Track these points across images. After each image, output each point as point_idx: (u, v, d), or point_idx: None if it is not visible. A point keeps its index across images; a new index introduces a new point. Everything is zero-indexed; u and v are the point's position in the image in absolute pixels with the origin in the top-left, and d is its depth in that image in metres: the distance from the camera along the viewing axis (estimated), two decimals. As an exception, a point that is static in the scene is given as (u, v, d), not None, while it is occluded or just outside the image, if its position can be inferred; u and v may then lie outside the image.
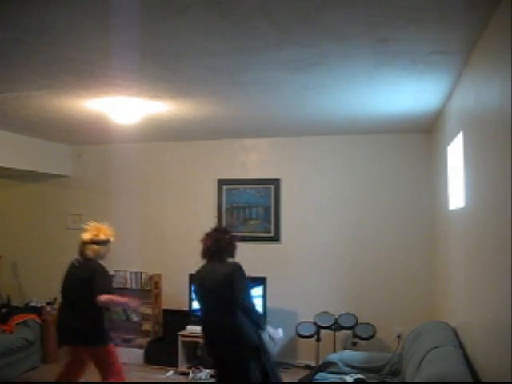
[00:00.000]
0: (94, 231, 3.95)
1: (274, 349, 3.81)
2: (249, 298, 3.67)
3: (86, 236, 3.93)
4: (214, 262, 3.63)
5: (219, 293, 3.52)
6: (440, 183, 4.52)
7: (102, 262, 3.94)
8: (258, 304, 5.39)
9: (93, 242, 3.90)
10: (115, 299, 3.88)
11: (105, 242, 3.96)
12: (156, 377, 5.32)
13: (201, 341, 5.36)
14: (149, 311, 5.89)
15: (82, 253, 3.93)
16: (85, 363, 4.02)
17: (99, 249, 3.92)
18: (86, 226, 4.00)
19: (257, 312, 3.73)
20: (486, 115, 2.57)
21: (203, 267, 3.68)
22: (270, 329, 3.71)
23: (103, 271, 3.86)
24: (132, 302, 4.07)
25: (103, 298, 3.70)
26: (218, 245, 3.63)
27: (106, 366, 3.86)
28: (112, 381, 3.84)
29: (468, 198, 3.07)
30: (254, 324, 3.54)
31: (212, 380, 5.10)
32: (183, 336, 5.38)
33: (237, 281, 3.52)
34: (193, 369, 5.26)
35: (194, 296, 3.68)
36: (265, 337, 3.63)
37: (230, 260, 3.67)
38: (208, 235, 3.70)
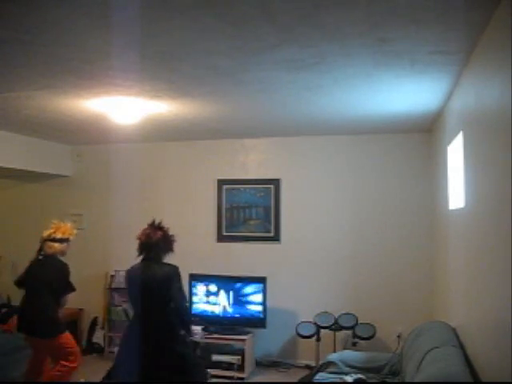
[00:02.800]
0: (53, 229, 4.18)
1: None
2: (182, 303, 3.63)
3: (45, 233, 4.17)
4: (149, 260, 3.58)
5: (155, 293, 3.48)
6: (440, 183, 4.52)
7: (62, 259, 4.16)
8: (258, 304, 5.41)
9: (50, 239, 4.12)
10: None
11: (62, 240, 4.16)
12: (156, 377, 5.30)
13: (201, 341, 5.38)
14: (149, 311, 5.90)
15: (40, 249, 4.15)
16: (42, 357, 4.22)
17: (55, 246, 4.12)
18: (50, 224, 4.23)
19: (187, 319, 3.81)
20: (486, 115, 2.57)
21: (138, 264, 3.62)
22: (195, 329, 3.81)
23: (66, 270, 4.10)
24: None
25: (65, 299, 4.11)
26: (151, 241, 3.57)
27: (66, 353, 4.06)
28: (71, 363, 4.06)
29: (468, 198, 3.07)
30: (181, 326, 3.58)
31: (213, 380, 5.10)
32: (183, 336, 5.38)
33: (174, 285, 3.51)
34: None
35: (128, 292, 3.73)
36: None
37: (166, 259, 3.62)
38: (143, 231, 3.65)
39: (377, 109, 4.30)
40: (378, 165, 5.53)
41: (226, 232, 5.95)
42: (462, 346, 3.18)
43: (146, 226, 3.69)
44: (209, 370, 5.09)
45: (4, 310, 5.69)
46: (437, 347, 3.07)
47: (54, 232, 4.16)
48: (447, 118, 4.05)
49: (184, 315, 3.67)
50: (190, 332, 3.71)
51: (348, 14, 2.30)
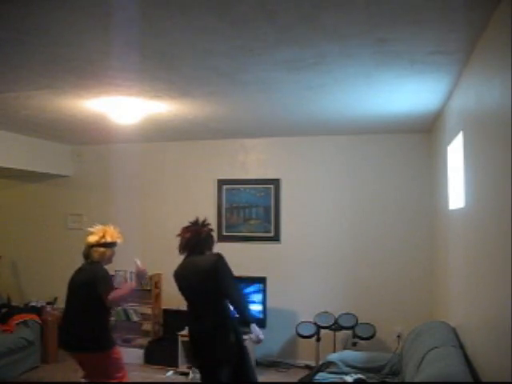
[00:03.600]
0: (101, 233, 3.77)
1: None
2: (237, 290, 3.52)
3: (93, 238, 3.74)
4: (194, 256, 3.53)
5: (204, 288, 3.42)
6: (440, 183, 4.52)
7: (106, 266, 3.76)
8: (258, 304, 5.41)
9: (99, 244, 3.72)
10: (123, 291, 3.65)
11: (111, 245, 3.79)
12: (156, 377, 5.32)
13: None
14: (149, 311, 5.90)
15: (87, 256, 3.76)
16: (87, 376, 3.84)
17: (105, 251, 3.74)
18: (91, 229, 3.83)
19: (246, 307, 3.57)
20: (486, 115, 2.57)
21: (184, 262, 3.57)
22: (255, 327, 3.52)
23: (104, 274, 3.69)
24: (138, 278, 3.75)
25: (112, 296, 3.51)
26: (198, 238, 3.54)
27: (116, 369, 3.67)
28: (121, 379, 3.67)
29: (468, 198, 3.07)
30: (236, 318, 3.44)
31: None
32: (183, 336, 5.37)
33: (221, 273, 3.40)
34: (193, 369, 5.26)
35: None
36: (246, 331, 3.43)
37: (208, 253, 3.58)
38: (187, 228, 3.60)
39: (377, 109, 4.30)
40: (378, 165, 5.53)
41: (226, 232, 5.95)
42: (461, 346, 3.18)
43: (187, 224, 3.63)
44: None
45: (4, 310, 5.69)
46: (437, 347, 3.07)
47: (103, 236, 3.74)
48: (447, 118, 4.05)
49: (239, 308, 3.47)
50: (247, 324, 3.46)
51: (348, 14, 2.30)
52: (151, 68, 3.17)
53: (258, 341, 3.57)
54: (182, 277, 3.55)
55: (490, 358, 2.56)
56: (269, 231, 5.83)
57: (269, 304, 5.42)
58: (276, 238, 5.80)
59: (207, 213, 5.98)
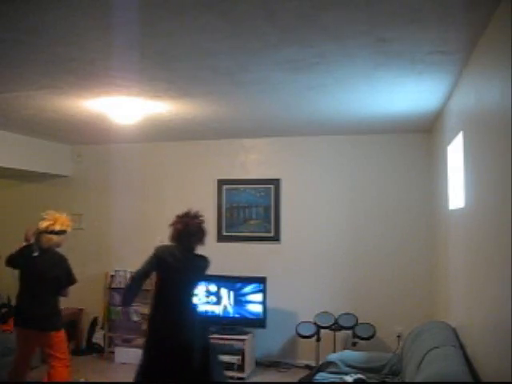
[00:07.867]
0: (51, 221, 4.00)
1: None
2: None
3: (42, 225, 3.98)
4: (184, 249, 3.60)
5: (188, 282, 3.61)
6: (440, 183, 4.52)
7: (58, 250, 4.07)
8: (258, 304, 5.41)
9: (48, 231, 3.96)
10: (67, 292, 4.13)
11: (60, 232, 4.03)
12: (156, 377, 5.30)
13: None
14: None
15: (37, 241, 4.02)
16: (33, 352, 4.23)
17: (53, 238, 3.99)
18: (44, 215, 4.04)
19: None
20: (486, 115, 2.57)
21: (173, 249, 3.60)
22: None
23: (67, 262, 4.04)
24: None
25: (66, 292, 4.07)
26: (188, 229, 3.60)
27: (62, 350, 4.04)
28: (62, 366, 4.06)
29: (468, 198, 3.07)
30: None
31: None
32: (183, 336, 5.37)
33: (203, 276, 3.79)
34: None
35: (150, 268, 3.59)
36: None
37: (199, 249, 3.67)
38: (179, 219, 3.66)
39: (377, 109, 4.30)
40: (378, 165, 5.53)
41: (226, 232, 5.95)
42: (461, 346, 3.18)
43: (180, 214, 3.69)
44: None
45: (4, 310, 5.68)
46: (437, 347, 3.07)
47: (53, 224, 3.99)
48: (447, 118, 4.05)
49: None
50: None
51: (348, 14, 2.31)
52: (151, 68, 3.17)
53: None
54: (171, 260, 3.56)
55: (490, 358, 2.56)
56: (269, 231, 5.82)
57: (269, 304, 5.42)
58: (276, 238, 5.79)
59: (207, 213, 5.98)
